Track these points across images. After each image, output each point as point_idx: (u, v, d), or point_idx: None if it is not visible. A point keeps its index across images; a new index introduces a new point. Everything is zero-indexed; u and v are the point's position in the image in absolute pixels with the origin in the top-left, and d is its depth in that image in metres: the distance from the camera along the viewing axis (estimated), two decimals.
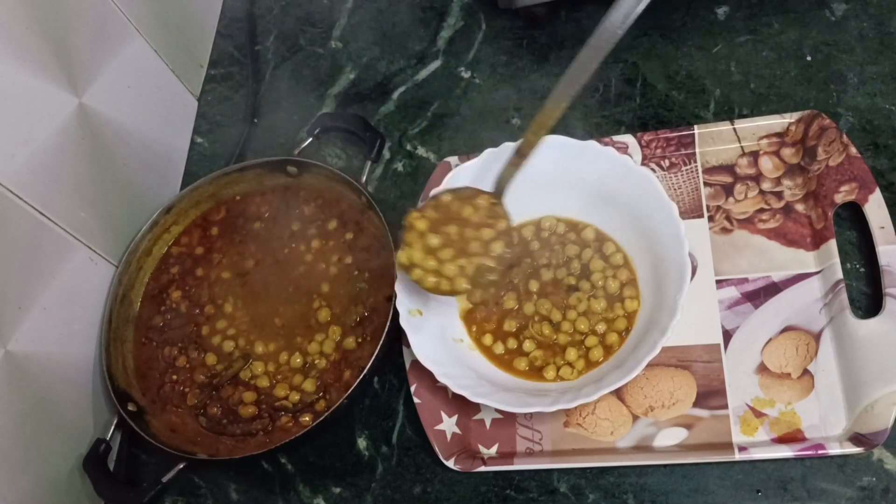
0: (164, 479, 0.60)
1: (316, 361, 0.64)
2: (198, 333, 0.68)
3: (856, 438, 0.51)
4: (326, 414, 0.58)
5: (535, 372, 0.58)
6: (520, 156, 0.56)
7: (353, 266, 0.67)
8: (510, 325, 0.60)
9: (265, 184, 0.72)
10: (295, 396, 0.63)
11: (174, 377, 0.67)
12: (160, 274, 0.72)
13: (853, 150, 0.58)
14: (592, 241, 0.62)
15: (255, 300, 0.68)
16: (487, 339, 0.60)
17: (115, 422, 0.66)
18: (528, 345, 0.59)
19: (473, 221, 0.56)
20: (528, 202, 0.63)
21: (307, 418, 0.62)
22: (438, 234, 0.55)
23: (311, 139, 0.71)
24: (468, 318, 0.61)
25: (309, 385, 0.63)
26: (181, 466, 0.60)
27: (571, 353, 0.58)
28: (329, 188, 0.70)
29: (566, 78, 0.52)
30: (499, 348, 0.59)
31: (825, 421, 0.54)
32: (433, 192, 0.58)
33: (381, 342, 0.59)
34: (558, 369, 0.58)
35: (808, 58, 0.66)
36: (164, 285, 0.71)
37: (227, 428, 0.64)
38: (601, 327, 0.58)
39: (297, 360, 0.64)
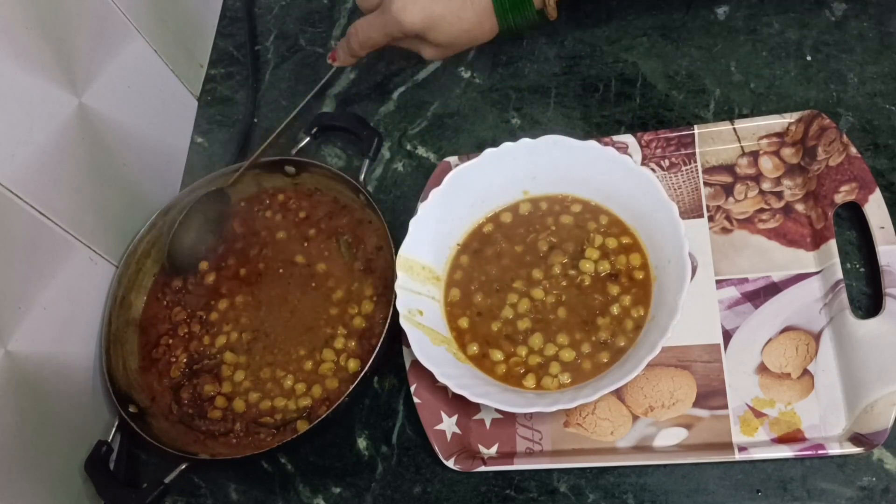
0: (167, 481, 0.60)
1: (318, 371, 0.63)
2: (209, 311, 0.68)
3: (856, 438, 0.51)
4: (327, 413, 0.58)
5: (514, 379, 0.57)
6: None
7: (352, 265, 0.67)
8: (488, 328, 0.59)
9: (263, 184, 0.72)
10: (278, 415, 0.62)
11: (170, 342, 0.67)
12: None
13: (853, 150, 0.58)
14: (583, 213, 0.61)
15: (260, 307, 0.68)
16: (467, 339, 0.59)
17: (115, 423, 0.66)
18: (496, 353, 0.58)
19: None
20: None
21: (300, 425, 0.61)
22: None
23: (308, 138, 0.71)
24: (450, 316, 0.60)
25: (297, 404, 0.62)
26: (183, 467, 0.60)
27: (555, 367, 0.57)
28: (327, 187, 0.70)
29: None
30: (473, 350, 0.59)
31: (825, 421, 0.54)
32: None
33: (381, 342, 0.59)
34: (539, 379, 0.56)
35: (808, 58, 0.66)
36: None
37: (194, 421, 0.64)
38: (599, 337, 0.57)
39: (288, 379, 0.63)
